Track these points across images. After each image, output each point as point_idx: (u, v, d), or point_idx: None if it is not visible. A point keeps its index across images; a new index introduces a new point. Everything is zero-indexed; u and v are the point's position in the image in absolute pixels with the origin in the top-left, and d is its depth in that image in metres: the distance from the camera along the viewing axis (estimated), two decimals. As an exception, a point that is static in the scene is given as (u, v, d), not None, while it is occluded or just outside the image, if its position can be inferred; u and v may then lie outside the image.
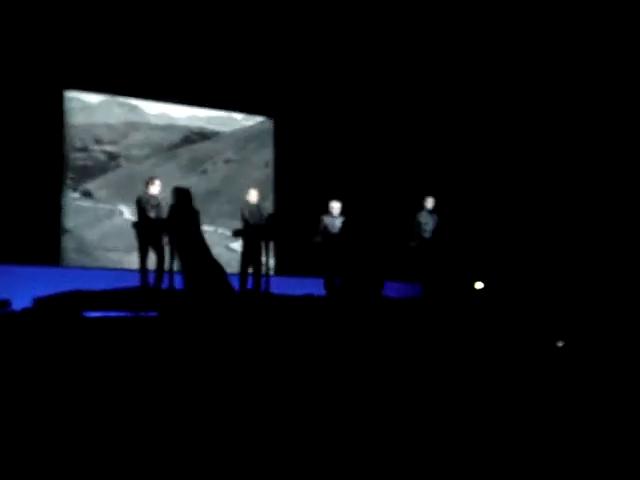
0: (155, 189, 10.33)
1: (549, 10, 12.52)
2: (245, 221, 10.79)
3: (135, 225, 10.32)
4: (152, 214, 10.18)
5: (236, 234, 10.96)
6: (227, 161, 13.95)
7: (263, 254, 10.81)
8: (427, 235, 11.40)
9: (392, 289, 11.85)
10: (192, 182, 12.97)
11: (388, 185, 13.86)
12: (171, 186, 10.26)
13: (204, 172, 13.76)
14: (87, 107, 12.50)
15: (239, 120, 13.91)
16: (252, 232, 10.74)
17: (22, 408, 5.78)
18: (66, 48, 11.76)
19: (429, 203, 11.54)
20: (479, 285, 13.16)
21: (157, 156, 13.22)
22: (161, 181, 10.68)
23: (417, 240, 11.33)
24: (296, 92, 13.54)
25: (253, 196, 11.03)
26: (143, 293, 9.81)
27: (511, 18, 12.80)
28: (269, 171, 14.04)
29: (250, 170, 14.04)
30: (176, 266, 9.88)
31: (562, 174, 13.49)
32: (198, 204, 10.25)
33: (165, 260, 10.04)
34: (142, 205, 10.19)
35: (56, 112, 12.12)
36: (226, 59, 12.88)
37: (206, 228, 10.79)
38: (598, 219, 13.00)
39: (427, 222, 11.45)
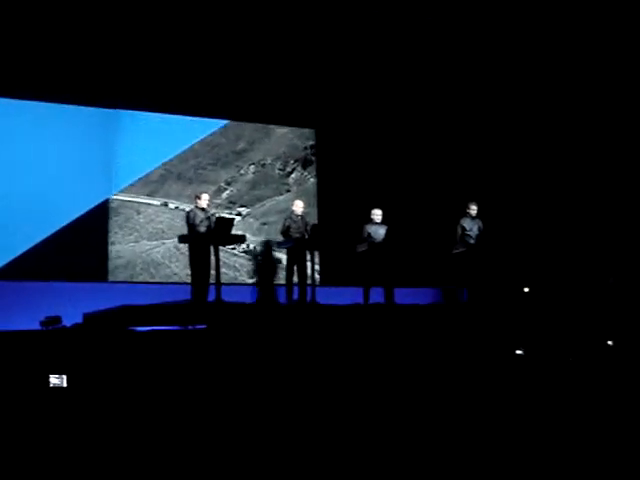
0: (203, 203, 10.42)
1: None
2: (287, 232, 10.83)
3: (185, 239, 10.40)
4: (202, 228, 10.26)
5: (280, 245, 11.01)
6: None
7: (308, 264, 10.84)
8: (472, 241, 11.34)
9: (438, 295, 11.83)
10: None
11: (431, 191, 13.81)
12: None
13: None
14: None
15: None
16: (297, 243, 10.77)
17: (76, 420, 5.88)
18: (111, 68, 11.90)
19: (472, 209, 11.50)
20: (526, 289, 13.08)
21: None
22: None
23: (461, 246, 11.27)
24: (337, 102, 13.57)
25: (298, 207, 11.06)
26: (191, 306, 9.89)
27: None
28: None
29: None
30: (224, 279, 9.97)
31: (606, 177, 13.35)
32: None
33: (213, 273, 10.12)
34: (191, 220, 10.29)
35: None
36: (269, 74, 12.95)
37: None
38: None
39: (471, 228, 11.40)
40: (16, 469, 5.35)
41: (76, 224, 11.53)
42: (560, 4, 12.56)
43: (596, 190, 13.39)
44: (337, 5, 12.45)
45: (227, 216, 11.66)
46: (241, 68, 12.67)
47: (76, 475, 5.30)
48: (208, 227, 10.30)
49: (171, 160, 12.16)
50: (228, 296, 9.99)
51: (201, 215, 10.34)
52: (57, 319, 8.99)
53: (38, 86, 11.42)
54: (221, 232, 10.08)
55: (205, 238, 10.21)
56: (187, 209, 11.09)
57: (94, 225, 11.74)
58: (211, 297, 10.08)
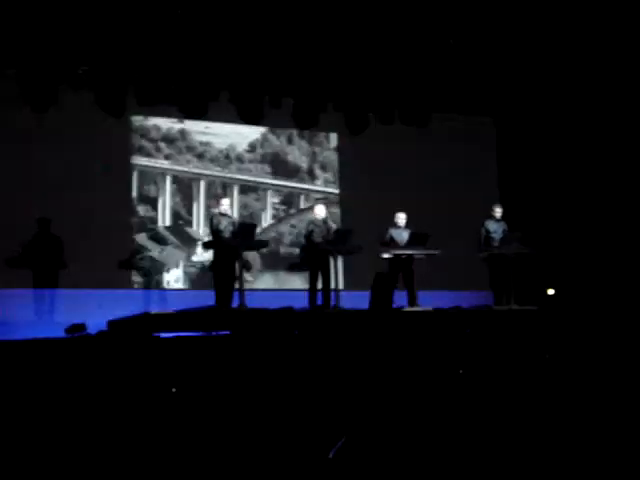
0: (224, 208, 10.41)
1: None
2: (310, 237, 10.78)
3: (210, 245, 10.40)
4: (226, 234, 10.24)
5: (303, 250, 10.97)
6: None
7: (332, 269, 10.79)
8: (496, 244, 11.25)
9: (463, 298, 11.76)
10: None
11: (455, 194, 13.76)
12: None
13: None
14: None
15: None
16: (320, 248, 10.73)
17: (101, 427, 5.87)
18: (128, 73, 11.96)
19: (497, 211, 11.41)
20: (551, 291, 13.00)
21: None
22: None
23: (485, 249, 11.20)
24: (359, 104, 13.55)
25: (321, 211, 11.02)
26: (215, 312, 9.89)
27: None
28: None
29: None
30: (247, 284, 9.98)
31: (632, 179, 13.24)
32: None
33: (238, 278, 10.12)
34: (214, 226, 10.28)
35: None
36: (291, 84, 12.98)
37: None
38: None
39: (495, 230, 11.32)
40: (37, 477, 5.36)
41: (101, 230, 11.60)
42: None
43: (622, 192, 13.28)
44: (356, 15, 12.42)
45: (249, 221, 11.74)
46: (259, 77, 12.69)
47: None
48: (232, 232, 10.27)
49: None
50: (252, 302, 10.00)
51: (224, 221, 10.33)
52: (82, 326, 9.01)
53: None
54: (244, 237, 10.08)
55: (229, 244, 10.19)
56: (210, 214, 11.10)
57: (119, 230, 11.84)
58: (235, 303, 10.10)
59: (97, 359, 7.31)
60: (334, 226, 11.24)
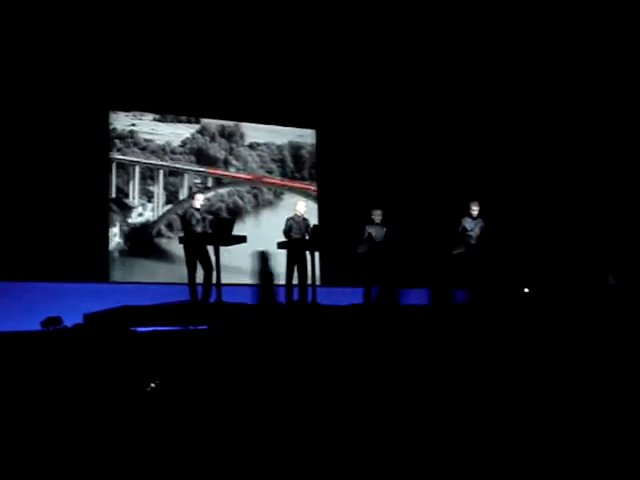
0: (198, 203, 10.44)
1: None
2: (289, 233, 10.80)
3: (182, 240, 10.41)
4: (198, 228, 10.27)
5: (281, 246, 10.97)
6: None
7: (309, 265, 10.81)
8: (473, 241, 11.30)
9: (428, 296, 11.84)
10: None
11: (432, 191, 13.79)
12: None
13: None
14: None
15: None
16: (297, 244, 10.74)
17: (76, 421, 5.87)
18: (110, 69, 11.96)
19: (474, 209, 11.44)
20: (527, 290, 13.07)
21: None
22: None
23: (463, 246, 11.24)
24: (338, 102, 13.57)
25: (301, 207, 11.06)
26: (192, 307, 9.88)
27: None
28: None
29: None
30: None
31: (609, 178, 13.35)
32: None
33: (212, 273, 10.12)
34: (187, 220, 10.29)
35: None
36: (269, 73, 12.98)
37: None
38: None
39: (472, 228, 11.35)
40: (15, 472, 5.34)
41: (76, 222, 11.58)
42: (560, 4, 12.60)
43: (597, 189, 13.39)
44: (338, 5, 12.46)
45: (226, 217, 11.86)
46: (242, 68, 12.71)
47: (74, 476, 5.29)
48: (204, 227, 10.34)
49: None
50: (229, 297, 10.00)
51: (197, 215, 10.36)
52: (57, 319, 8.96)
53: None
54: (221, 233, 10.08)
55: (206, 239, 10.20)
56: (183, 209, 11.19)
57: (94, 223, 11.84)
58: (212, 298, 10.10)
59: (73, 352, 7.29)
60: (312, 223, 11.28)
